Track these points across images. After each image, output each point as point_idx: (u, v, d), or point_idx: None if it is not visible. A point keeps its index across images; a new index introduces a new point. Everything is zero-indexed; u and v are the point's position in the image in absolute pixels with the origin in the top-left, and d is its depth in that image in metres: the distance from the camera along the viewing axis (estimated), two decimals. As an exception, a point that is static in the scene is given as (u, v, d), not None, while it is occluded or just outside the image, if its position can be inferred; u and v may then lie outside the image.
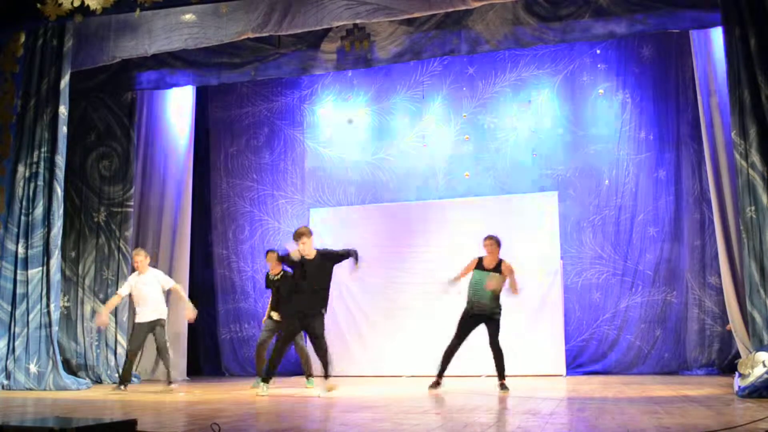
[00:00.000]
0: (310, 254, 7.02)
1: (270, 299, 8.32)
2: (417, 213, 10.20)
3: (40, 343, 8.19)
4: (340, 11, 7.93)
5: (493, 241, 7.13)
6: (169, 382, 7.66)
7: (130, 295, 7.90)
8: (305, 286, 6.96)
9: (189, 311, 7.89)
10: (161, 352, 7.74)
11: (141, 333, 7.69)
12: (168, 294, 8.07)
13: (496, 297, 7.04)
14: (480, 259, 7.18)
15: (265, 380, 7.00)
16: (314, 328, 6.95)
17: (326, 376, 6.96)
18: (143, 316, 7.70)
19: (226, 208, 11.23)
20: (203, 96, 11.17)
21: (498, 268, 7.08)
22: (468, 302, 7.14)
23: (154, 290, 7.72)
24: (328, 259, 7.08)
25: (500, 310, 7.09)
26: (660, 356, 9.24)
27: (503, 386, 6.86)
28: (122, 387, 7.50)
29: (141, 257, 7.78)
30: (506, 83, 10.20)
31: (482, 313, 7.04)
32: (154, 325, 7.70)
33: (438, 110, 10.46)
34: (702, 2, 7.62)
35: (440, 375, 7.18)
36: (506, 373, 7.02)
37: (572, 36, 8.36)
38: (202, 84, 10.06)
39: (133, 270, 8.04)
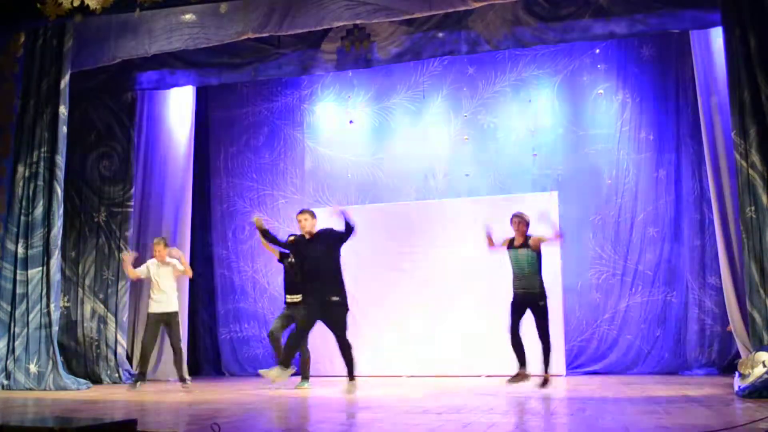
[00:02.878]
0: (311, 233, 6.96)
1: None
2: (417, 213, 10.19)
3: (40, 343, 8.18)
4: (340, 11, 7.92)
5: (519, 219, 7.06)
6: (182, 380, 7.77)
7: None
8: (309, 270, 6.86)
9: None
10: (174, 350, 7.90)
11: (150, 324, 7.85)
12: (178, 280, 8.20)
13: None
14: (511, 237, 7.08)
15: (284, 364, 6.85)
16: (333, 323, 6.82)
17: (349, 376, 6.81)
18: (153, 307, 7.86)
19: (226, 208, 11.22)
20: (203, 96, 11.16)
21: (526, 243, 7.00)
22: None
23: (168, 281, 7.87)
24: (331, 238, 6.97)
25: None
26: (660, 356, 9.24)
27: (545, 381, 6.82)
28: (137, 385, 7.65)
29: (161, 247, 7.91)
30: (506, 83, 10.20)
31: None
32: (166, 319, 7.83)
33: (438, 110, 10.45)
34: (702, 2, 7.62)
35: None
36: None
37: (572, 36, 8.36)
38: (203, 84, 10.05)
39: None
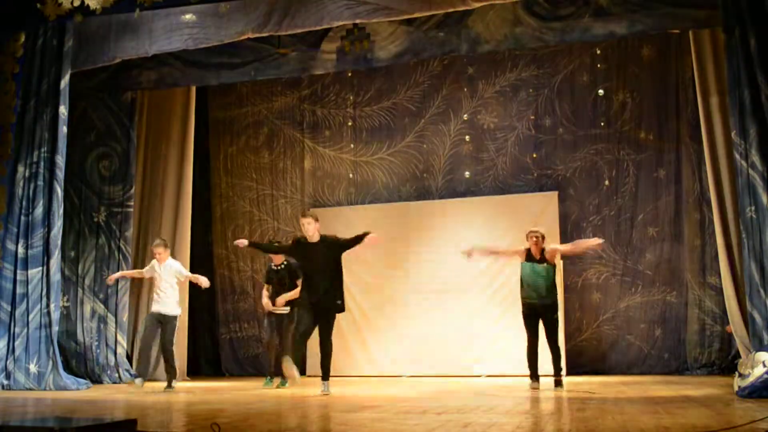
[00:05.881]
0: (313, 237, 6.89)
1: (266, 294, 8.22)
2: (417, 213, 10.20)
3: (40, 343, 8.18)
4: (340, 11, 7.92)
5: (537, 237, 7.18)
6: (169, 385, 7.60)
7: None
8: (312, 273, 6.82)
9: (200, 280, 7.87)
10: (163, 351, 7.77)
11: (148, 322, 7.77)
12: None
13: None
14: (528, 250, 7.18)
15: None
16: (324, 327, 6.75)
17: (325, 377, 6.75)
18: (153, 306, 7.78)
19: (226, 207, 11.23)
20: (203, 96, 11.16)
21: (543, 258, 7.15)
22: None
23: (167, 283, 7.75)
24: (336, 246, 6.91)
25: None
26: (660, 356, 9.25)
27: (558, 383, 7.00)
28: (137, 381, 7.52)
29: (160, 250, 7.82)
30: (506, 83, 10.20)
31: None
32: (163, 320, 7.67)
33: (438, 110, 10.46)
34: (702, 2, 7.61)
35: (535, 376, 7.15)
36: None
37: (572, 36, 8.35)
38: (202, 84, 10.05)
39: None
